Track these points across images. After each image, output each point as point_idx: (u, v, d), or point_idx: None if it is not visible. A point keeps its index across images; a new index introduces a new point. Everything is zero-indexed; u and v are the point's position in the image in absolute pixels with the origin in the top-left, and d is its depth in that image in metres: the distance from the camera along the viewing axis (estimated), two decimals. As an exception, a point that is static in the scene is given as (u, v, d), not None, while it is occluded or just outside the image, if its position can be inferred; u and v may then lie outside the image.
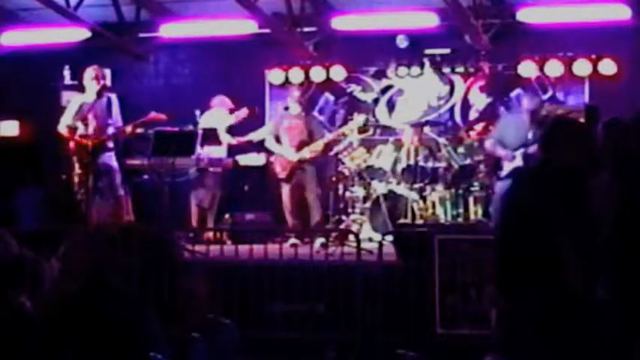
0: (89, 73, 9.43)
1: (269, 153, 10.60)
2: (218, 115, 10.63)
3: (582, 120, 8.31)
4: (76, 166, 9.32)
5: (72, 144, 9.36)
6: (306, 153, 10.00)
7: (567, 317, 4.02)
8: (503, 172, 8.92)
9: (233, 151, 10.88)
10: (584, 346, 4.00)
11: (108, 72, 10.14)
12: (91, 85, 9.40)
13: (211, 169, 10.51)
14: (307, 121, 10.25)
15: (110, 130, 9.41)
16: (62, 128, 9.39)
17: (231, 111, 10.76)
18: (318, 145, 10.05)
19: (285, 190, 10.07)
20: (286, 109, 10.85)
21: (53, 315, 3.35)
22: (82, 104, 9.39)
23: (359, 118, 10.53)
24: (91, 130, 9.33)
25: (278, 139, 10.22)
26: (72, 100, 9.63)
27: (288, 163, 10.03)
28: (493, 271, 4.49)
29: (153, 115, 9.62)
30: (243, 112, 10.74)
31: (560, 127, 4.50)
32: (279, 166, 10.15)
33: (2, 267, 2.87)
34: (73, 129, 9.30)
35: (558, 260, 4.00)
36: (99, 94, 9.40)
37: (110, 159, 9.46)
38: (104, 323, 3.46)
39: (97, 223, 9.18)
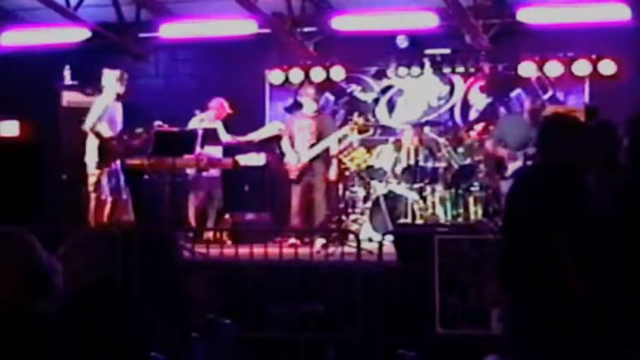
0: (114, 74, 9.40)
1: (269, 153, 10.58)
2: (200, 119, 10.58)
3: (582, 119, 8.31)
4: (93, 165, 9.31)
5: (91, 144, 9.33)
6: (312, 153, 9.89)
7: (567, 319, 4.02)
8: (508, 172, 8.90)
9: (233, 151, 10.87)
10: (583, 349, 4.00)
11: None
12: (115, 87, 9.37)
13: (211, 169, 10.51)
14: (320, 121, 10.10)
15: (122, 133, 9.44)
16: (88, 127, 9.33)
17: (226, 115, 10.70)
18: (322, 146, 9.93)
19: (296, 190, 9.93)
20: (286, 109, 10.81)
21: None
22: (107, 105, 9.38)
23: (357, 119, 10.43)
24: (113, 131, 9.35)
25: (292, 139, 10.05)
26: (96, 101, 9.56)
27: (299, 163, 9.96)
28: (496, 271, 4.48)
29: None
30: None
31: (557, 126, 4.46)
32: (291, 166, 10.04)
33: (33, 274, 2.78)
34: (96, 130, 9.30)
35: (558, 262, 3.99)
36: (118, 97, 9.43)
37: (120, 160, 9.50)
38: (105, 324, 3.46)
39: (97, 223, 9.19)
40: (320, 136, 9.92)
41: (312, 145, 9.88)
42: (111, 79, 9.38)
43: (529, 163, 8.51)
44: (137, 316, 3.65)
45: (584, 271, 3.96)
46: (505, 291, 4.37)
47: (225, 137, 10.61)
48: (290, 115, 10.98)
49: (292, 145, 9.97)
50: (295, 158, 9.88)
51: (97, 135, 9.24)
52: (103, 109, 9.32)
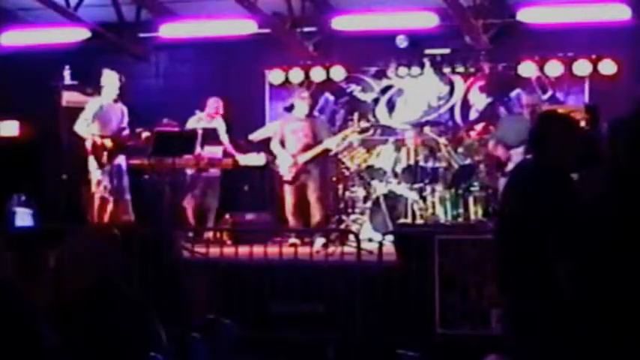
0: (114, 75, 9.42)
1: (269, 153, 10.58)
2: (197, 118, 10.56)
3: (581, 120, 8.30)
4: (94, 166, 9.32)
5: (89, 144, 9.34)
6: (309, 155, 9.88)
7: (563, 319, 4.01)
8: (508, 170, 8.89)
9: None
10: (581, 348, 4.00)
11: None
12: (113, 87, 9.39)
13: (211, 169, 10.50)
14: (313, 123, 10.09)
15: (125, 132, 9.44)
16: (80, 128, 9.38)
17: (219, 114, 10.66)
18: (320, 148, 9.92)
19: (289, 191, 9.95)
20: (286, 109, 10.78)
21: (53, 316, 3.35)
22: (102, 105, 9.40)
23: (360, 124, 10.42)
24: (108, 131, 9.36)
25: (283, 142, 10.09)
26: (90, 101, 9.61)
27: (294, 165, 9.95)
28: (495, 271, 4.48)
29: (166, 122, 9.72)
30: None
31: (548, 124, 4.43)
32: (285, 168, 10.03)
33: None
34: (89, 130, 9.31)
35: (551, 262, 3.98)
36: (116, 98, 9.45)
37: (123, 160, 9.50)
38: (105, 323, 3.45)
39: (97, 223, 9.19)
40: (315, 138, 9.91)
41: (307, 147, 9.87)
42: (111, 79, 9.40)
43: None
44: (137, 316, 3.65)
45: (575, 271, 3.95)
46: (504, 291, 4.37)
47: (224, 138, 10.57)
48: (282, 117, 10.97)
49: (283, 147, 9.98)
50: (290, 160, 9.86)
51: (88, 136, 9.29)
52: (96, 110, 9.35)
